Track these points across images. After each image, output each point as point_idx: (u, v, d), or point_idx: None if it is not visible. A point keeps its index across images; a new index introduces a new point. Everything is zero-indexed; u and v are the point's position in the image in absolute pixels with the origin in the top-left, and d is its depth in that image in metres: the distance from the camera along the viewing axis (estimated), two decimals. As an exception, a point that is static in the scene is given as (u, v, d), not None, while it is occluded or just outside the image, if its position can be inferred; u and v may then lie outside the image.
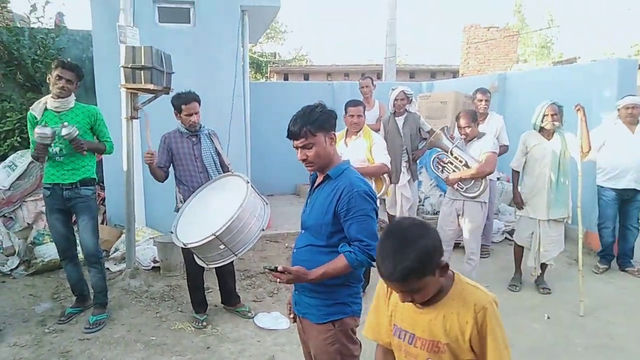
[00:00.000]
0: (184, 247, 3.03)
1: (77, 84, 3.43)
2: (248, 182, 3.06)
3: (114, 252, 4.78)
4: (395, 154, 4.63)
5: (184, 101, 3.40)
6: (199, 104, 3.48)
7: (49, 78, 3.39)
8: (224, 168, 3.64)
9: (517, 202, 4.24)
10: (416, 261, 1.29)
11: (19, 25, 6.84)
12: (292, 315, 2.17)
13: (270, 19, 6.79)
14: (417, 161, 5.13)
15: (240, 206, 2.83)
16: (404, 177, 4.83)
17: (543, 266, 4.18)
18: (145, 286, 4.14)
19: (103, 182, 5.35)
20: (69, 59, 3.47)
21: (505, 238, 5.58)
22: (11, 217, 5.03)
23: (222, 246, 2.92)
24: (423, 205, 6.27)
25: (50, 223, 3.52)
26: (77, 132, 3.24)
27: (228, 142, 5.11)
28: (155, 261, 4.53)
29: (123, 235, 5.00)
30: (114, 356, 3.09)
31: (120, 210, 4.91)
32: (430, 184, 6.48)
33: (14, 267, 4.54)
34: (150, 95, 4.08)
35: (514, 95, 6.89)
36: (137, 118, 4.12)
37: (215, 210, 3.09)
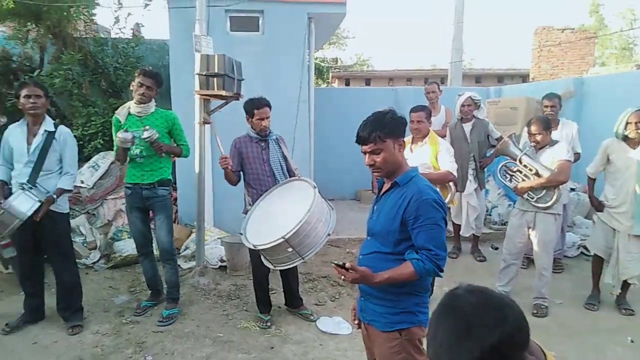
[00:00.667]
0: (253, 248, 3.12)
1: (157, 90, 3.65)
2: (315, 187, 3.11)
3: (184, 250, 5.02)
4: (462, 161, 4.51)
5: (256, 106, 3.52)
6: (270, 109, 3.59)
7: (132, 85, 3.64)
8: (291, 173, 3.72)
9: (595, 205, 3.99)
10: None
11: (102, 36, 7.40)
12: (356, 322, 2.18)
13: (335, 26, 6.87)
14: (485, 169, 4.97)
15: (308, 210, 2.88)
16: (471, 185, 4.69)
17: (625, 285, 3.89)
18: (213, 284, 4.31)
19: (175, 183, 5.64)
20: (149, 67, 3.70)
21: (581, 253, 5.25)
22: (93, 214, 5.44)
23: (290, 249, 2.98)
24: (490, 214, 6.06)
25: (130, 220, 3.76)
26: (157, 136, 3.45)
27: (292, 147, 5.21)
28: (222, 260, 4.71)
29: (193, 234, 5.25)
30: (184, 350, 3.24)
31: (190, 210, 5.16)
32: (498, 193, 6.24)
33: (95, 260, 4.90)
34: (222, 101, 4.25)
35: (592, 101, 6.49)
36: (209, 123, 4.31)
37: (283, 214, 3.16)
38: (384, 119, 1.91)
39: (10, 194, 3.35)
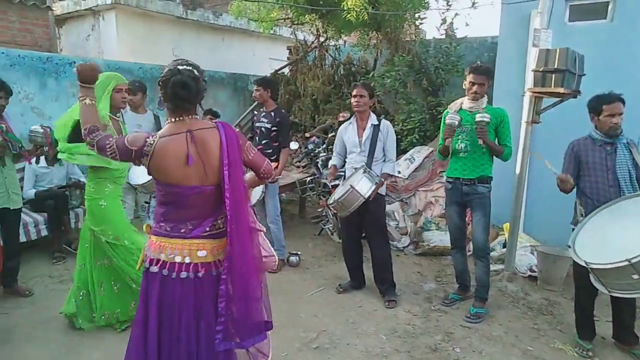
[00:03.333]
0: (584, 265, 2.76)
1: (487, 85, 3.62)
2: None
3: (490, 251, 4.90)
4: None
5: (605, 101, 3.07)
6: (623, 105, 3.07)
7: (463, 83, 3.72)
8: (640, 184, 3.10)
9: None
10: None
11: (424, 38, 7.92)
12: None
13: None
14: None
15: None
16: None
17: None
18: (522, 293, 4.07)
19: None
20: (479, 63, 3.67)
21: None
22: (406, 202, 5.93)
23: (636, 276, 2.52)
24: None
25: (448, 213, 3.91)
26: (488, 120, 3.43)
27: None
28: (532, 270, 4.39)
29: (499, 237, 5.09)
30: (492, 352, 3.17)
31: (499, 211, 4.97)
32: None
33: (405, 245, 5.35)
34: (555, 99, 3.91)
35: None
36: (538, 122, 4.03)
37: (630, 233, 2.68)
38: None
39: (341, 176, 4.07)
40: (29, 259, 4.45)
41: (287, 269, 4.67)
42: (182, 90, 1.86)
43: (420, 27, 8.32)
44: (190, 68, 1.92)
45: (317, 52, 8.08)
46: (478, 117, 3.45)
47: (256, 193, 4.28)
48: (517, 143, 4.11)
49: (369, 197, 3.62)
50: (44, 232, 4.63)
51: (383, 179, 3.81)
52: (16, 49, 6.01)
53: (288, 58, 8.97)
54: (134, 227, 3.45)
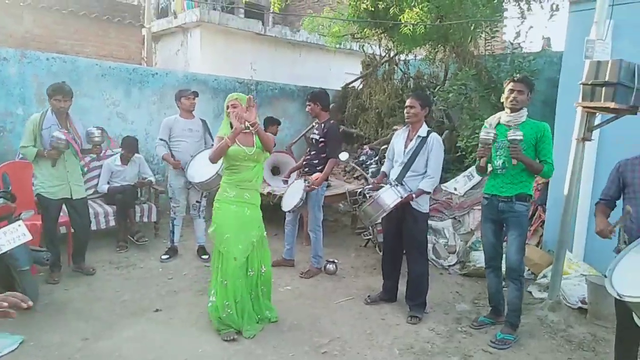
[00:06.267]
0: (618, 298, 2.49)
1: (528, 94, 3.43)
2: None
3: (541, 277, 4.55)
4: None
5: None
6: None
7: (503, 96, 3.56)
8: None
9: None
10: None
11: (504, 52, 7.56)
12: None
13: None
14: None
15: None
16: None
17: None
18: (564, 325, 3.72)
19: (545, 204, 5.20)
20: (521, 75, 3.48)
21: None
22: (459, 221, 5.69)
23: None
24: None
25: (483, 231, 3.72)
26: (521, 138, 3.26)
27: None
28: (583, 302, 3.99)
29: (555, 264, 4.70)
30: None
31: (557, 237, 4.62)
32: None
33: (452, 263, 5.13)
34: (611, 116, 3.57)
35: None
36: (589, 140, 3.71)
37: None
38: None
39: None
40: (97, 245, 5.01)
41: (323, 276, 4.72)
42: None
43: (494, 39, 7.98)
44: None
45: (387, 66, 8.11)
46: (510, 135, 3.28)
47: (292, 200, 4.39)
48: (566, 161, 3.82)
49: (391, 209, 3.59)
50: (112, 223, 5.18)
51: (415, 195, 3.71)
52: (110, 61, 6.84)
53: (361, 72, 9.09)
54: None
